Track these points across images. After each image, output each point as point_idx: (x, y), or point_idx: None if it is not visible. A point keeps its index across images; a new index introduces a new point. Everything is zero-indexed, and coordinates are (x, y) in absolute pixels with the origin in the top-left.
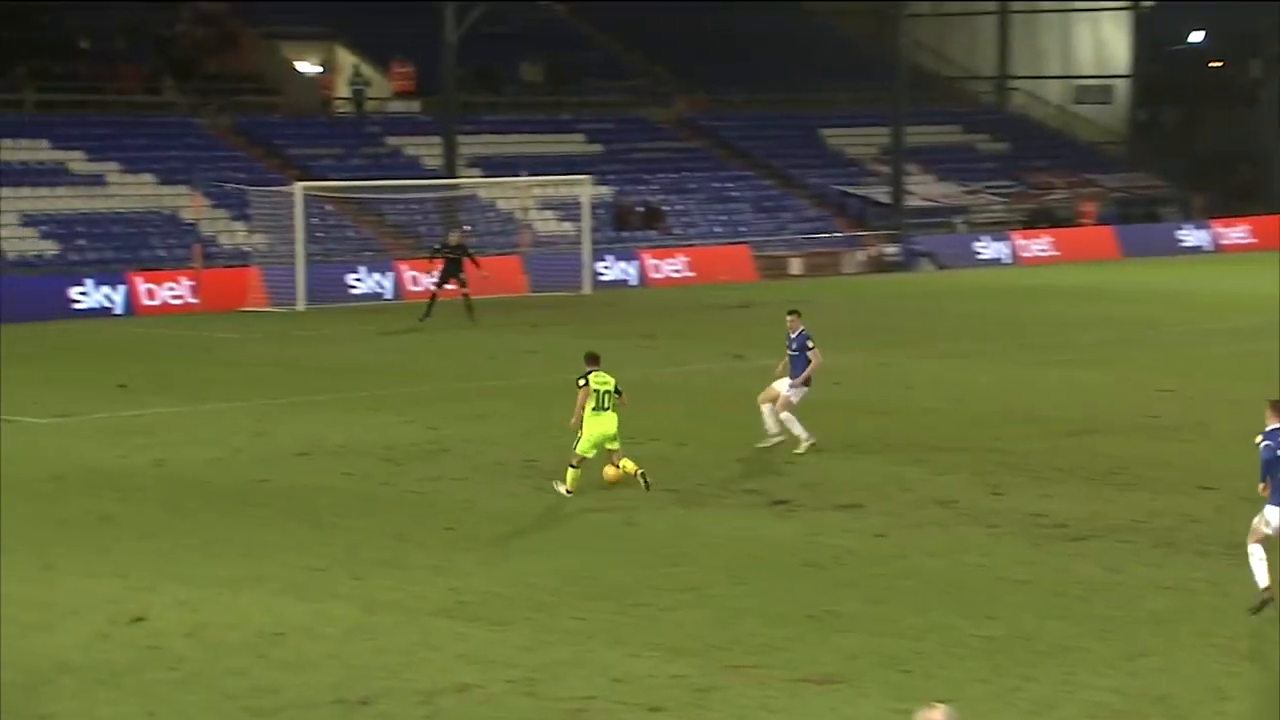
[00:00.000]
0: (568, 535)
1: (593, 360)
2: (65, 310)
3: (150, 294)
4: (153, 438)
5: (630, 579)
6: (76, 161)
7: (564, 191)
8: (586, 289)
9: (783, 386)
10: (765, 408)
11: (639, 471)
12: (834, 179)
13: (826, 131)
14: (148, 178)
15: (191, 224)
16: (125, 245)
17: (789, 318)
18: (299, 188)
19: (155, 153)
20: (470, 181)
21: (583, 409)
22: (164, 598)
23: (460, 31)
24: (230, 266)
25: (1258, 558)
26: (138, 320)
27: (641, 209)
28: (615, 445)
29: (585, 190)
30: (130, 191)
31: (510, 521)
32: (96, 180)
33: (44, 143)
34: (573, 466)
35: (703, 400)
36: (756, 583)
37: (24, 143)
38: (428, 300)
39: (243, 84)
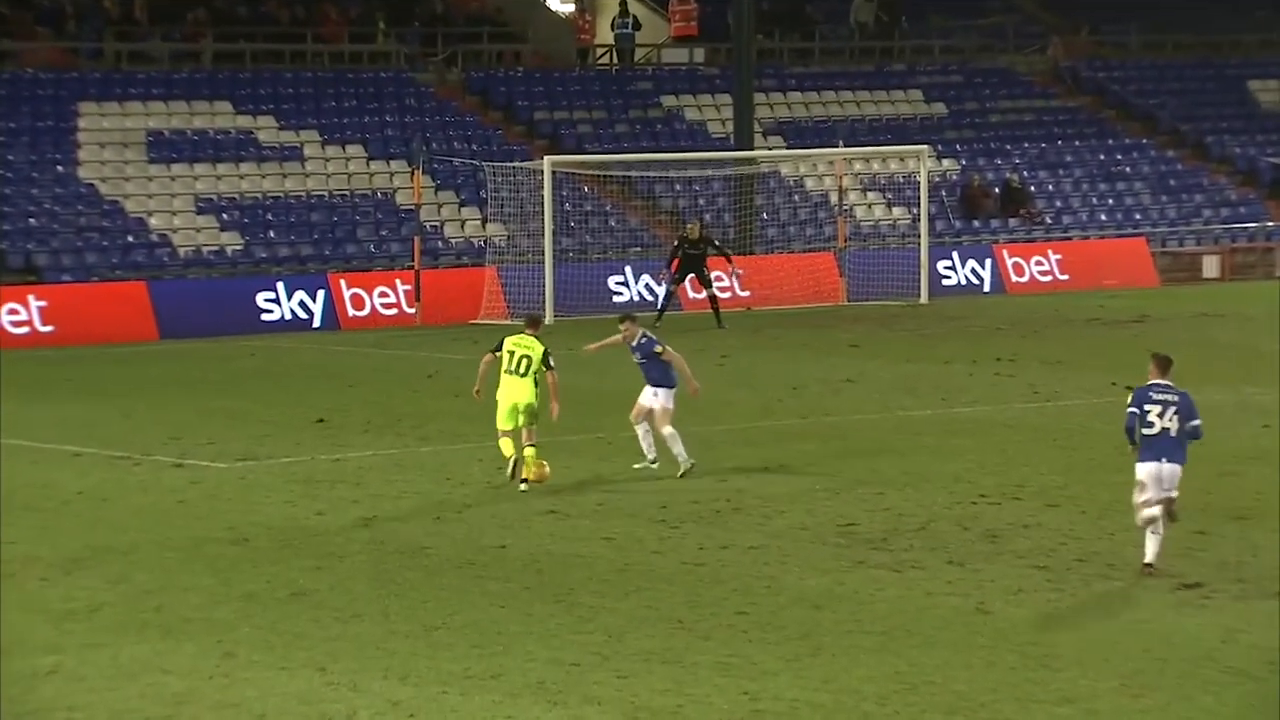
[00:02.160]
0: (899, 624)
1: (533, 324)
2: (250, 322)
3: (357, 301)
4: (359, 489)
5: (985, 685)
6: (266, 130)
7: (895, 167)
8: (923, 297)
9: (649, 399)
10: (639, 429)
11: (516, 461)
12: (1267, 148)
13: (1256, 85)
14: (355, 151)
15: (410, 211)
16: (326, 238)
17: (622, 325)
18: (548, 163)
19: (365, 118)
20: (770, 155)
21: (483, 379)
22: (373, 699)
23: None
24: (459, 266)
25: (1146, 519)
26: (341, 335)
27: (999, 190)
28: (532, 423)
29: (924, 165)
30: (333, 169)
31: (822, 605)
32: (291, 154)
33: (224, 106)
34: (502, 437)
35: (1080, 447)
36: (1159, 694)
37: (200, 106)
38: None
39: (477, 27)
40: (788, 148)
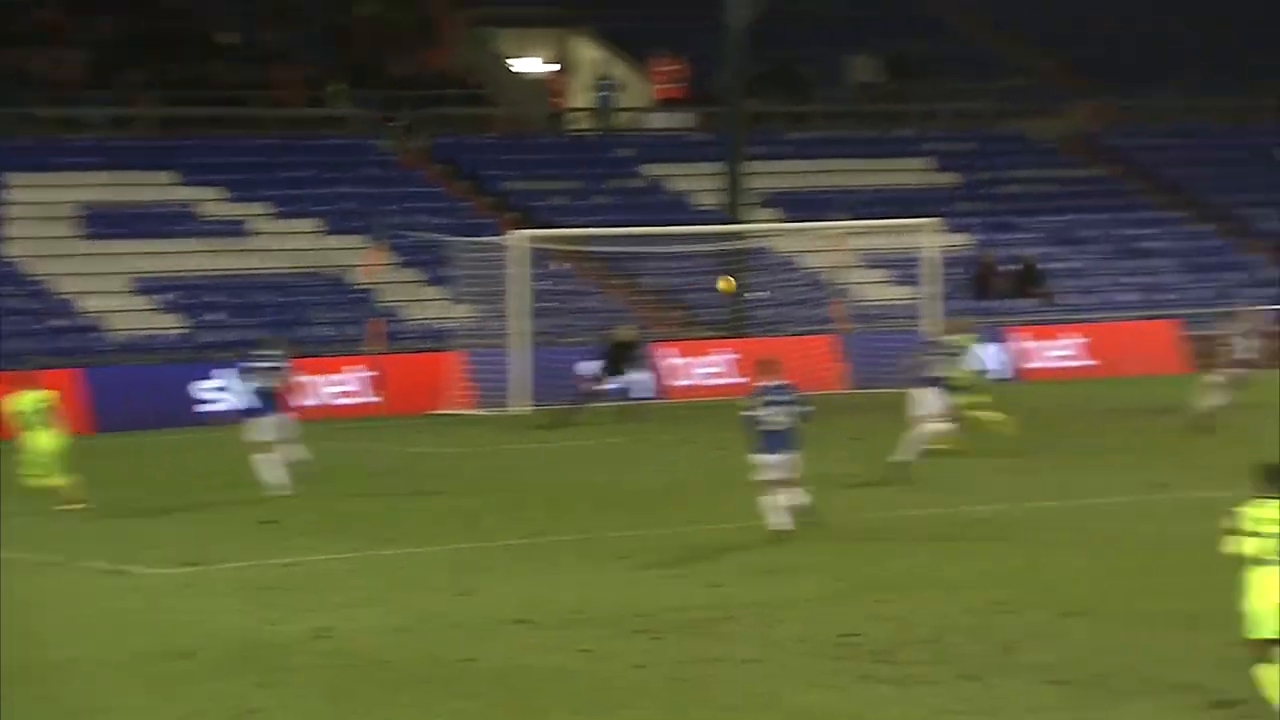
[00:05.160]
0: None
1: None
2: (190, 413)
3: (311, 390)
4: (313, 596)
5: None
6: (211, 202)
7: (900, 242)
8: None
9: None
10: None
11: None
12: None
13: None
14: (308, 225)
15: (368, 290)
16: (276, 320)
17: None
18: (519, 238)
19: (319, 189)
20: (763, 228)
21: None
22: None
23: (753, 13)
24: (422, 351)
25: (770, 507)
26: (291, 426)
27: (1015, 267)
28: (59, 478)
29: (931, 240)
30: (284, 244)
31: None
32: (237, 228)
33: (166, 176)
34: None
35: (1107, 550)
36: None
37: (138, 176)
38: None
39: (443, 90)
40: (782, 220)
